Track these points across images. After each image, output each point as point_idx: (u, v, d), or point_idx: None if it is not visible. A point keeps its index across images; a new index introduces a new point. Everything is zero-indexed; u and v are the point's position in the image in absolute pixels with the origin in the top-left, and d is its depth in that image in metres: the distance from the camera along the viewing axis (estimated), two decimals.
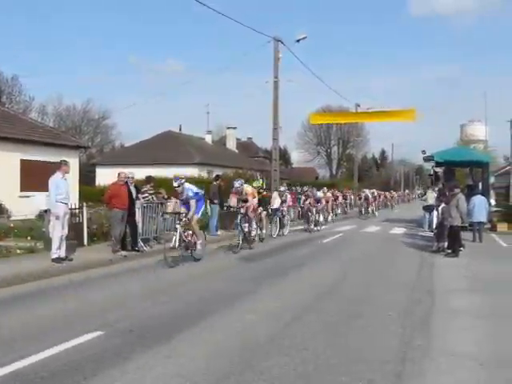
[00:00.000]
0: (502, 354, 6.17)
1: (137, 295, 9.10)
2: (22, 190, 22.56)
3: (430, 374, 5.41)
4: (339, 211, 36.28)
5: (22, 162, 22.89)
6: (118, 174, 14.29)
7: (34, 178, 20.95)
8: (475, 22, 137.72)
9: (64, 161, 12.66)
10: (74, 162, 21.45)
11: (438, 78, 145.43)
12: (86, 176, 39.40)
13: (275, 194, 22.08)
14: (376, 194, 43.14)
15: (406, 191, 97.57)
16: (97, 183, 39.03)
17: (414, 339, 6.64)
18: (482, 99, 78.17)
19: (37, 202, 19.37)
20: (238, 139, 59.99)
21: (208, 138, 52.26)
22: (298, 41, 28.86)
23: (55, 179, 12.13)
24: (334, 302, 8.84)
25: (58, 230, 11.97)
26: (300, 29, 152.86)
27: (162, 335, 6.60)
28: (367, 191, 39.26)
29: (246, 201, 16.15)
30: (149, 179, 16.85)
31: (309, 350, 6.11)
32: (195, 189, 13.42)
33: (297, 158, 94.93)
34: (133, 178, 14.48)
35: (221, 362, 5.68)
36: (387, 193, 59.20)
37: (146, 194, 15.83)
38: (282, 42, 28.31)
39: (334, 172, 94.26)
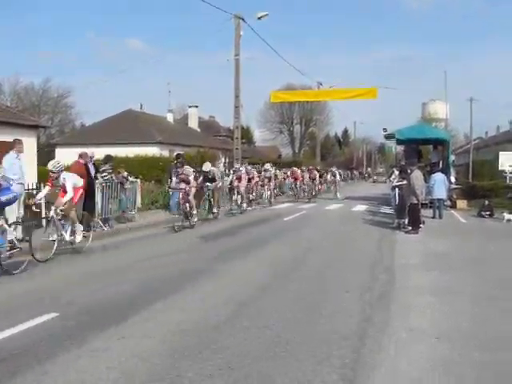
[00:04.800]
0: (457, 328, 6.25)
1: (92, 277, 8.91)
2: None
3: (389, 349, 5.44)
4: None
5: None
6: (80, 154, 14.05)
7: None
8: (432, 4, 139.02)
9: (18, 139, 12.30)
10: (31, 141, 20.77)
11: (399, 57, 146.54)
12: (46, 156, 38.58)
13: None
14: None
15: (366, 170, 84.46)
16: None
17: (373, 316, 6.67)
18: (443, 78, 78.64)
19: None
20: (200, 118, 59.32)
21: (169, 117, 51.45)
22: (259, 18, 28.66)
23: (9, 159, 11.81)
24: (294, 280, 8.83)
25: (13, 211, 11.66)
26: (261, 7, 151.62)
27: (117, 316, 6.48)
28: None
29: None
30: (107, 159, 16.61)
31: (268, 328, 6.08)
32: None
33: (259, 136, 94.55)
34: (92, 157, 14.35)
35: (178, 342, 5.61)
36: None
37: (105, 174, 15.59)
38: (244, 19, 28.11)
39: (296, 150, 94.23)
